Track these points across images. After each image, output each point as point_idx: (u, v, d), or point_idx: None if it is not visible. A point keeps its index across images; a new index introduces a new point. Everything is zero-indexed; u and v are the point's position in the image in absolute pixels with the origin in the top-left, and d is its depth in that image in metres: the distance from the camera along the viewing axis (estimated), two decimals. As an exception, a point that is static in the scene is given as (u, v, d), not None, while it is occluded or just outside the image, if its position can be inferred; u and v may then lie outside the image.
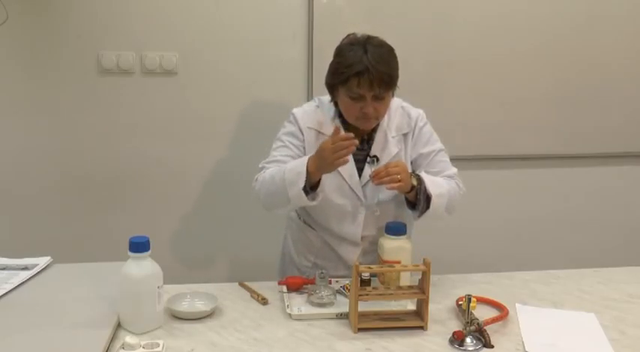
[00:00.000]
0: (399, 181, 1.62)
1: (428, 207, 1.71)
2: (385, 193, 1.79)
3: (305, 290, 1.65)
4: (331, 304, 1.58)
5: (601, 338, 1.45)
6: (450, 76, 2.66)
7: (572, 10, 2.67)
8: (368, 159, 1.80)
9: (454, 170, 1.84)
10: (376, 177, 1.64)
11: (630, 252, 2.86)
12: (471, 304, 1.45)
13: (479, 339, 1.41)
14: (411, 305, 1.56)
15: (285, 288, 1.66)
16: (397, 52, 1.74)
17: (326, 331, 1.47)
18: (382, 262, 1.65)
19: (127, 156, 2.58)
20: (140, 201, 2.62)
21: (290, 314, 1.53)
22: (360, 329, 1.46)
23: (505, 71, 2.69)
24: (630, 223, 2.95)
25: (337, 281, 1.72)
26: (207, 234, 2.69)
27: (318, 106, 1.85)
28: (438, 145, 1.85)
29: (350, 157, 1.78)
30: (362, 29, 1.75)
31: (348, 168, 1.78)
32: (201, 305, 1.56)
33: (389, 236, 1.66)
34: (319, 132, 1.80)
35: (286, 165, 1.71)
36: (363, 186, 1.81)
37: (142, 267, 1.40)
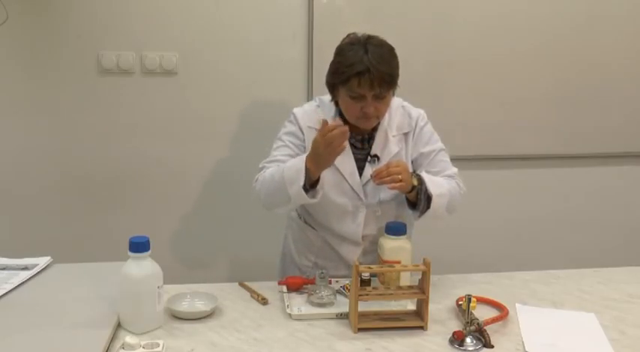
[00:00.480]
0: (400, 181, 1.63)
1: (428, 206, 1.71)
2: (386, 192, 1.79)
3: (305, 290, 1.65)
4: (331, 304, 1.58)
5: (601, 338, 1.45)
6: (450, 76, 2.66)
7: (572, 10, 2.67)
8: (369, 158, 1.81)
9: (454, 170, 1.84)
10: (377, 177, 1.64)
11: (630, 252, 2.86)
12: (471, 304, 1.45)
13: (479, 339, 1.41)
14: (411, 305, 1.56)
15: (285, 288, 1.66)
16: (397, 52, 1.74)
17: (326, 331, 1.47)
18: (382, 262, 1.65)
19: (127, 156, 2.58)
20: (140, 201, 2.62)
21: (290, 314, 1.53)
22: (360, 329, 1.46)
23: (505, 71, 2.69)
24: (630, 223, 2.95)
25: (337, 281, 1.72)
26: (208, 234, 2.69)
27: (318, 106, 1.86)
28: (439, 145, 1.85)
29: (350, 156, 1.79)
30: (362, 29, 1.75)
31: (349, 167, 1.78)
32: (201, 305, 1.56)
33: (389, 236, 1.66)
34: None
35: (285, 163, 1.72)
36: (364, 186, 1.81)
37: (142, 267, 1.40)
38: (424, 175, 1.73)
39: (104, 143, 2.55)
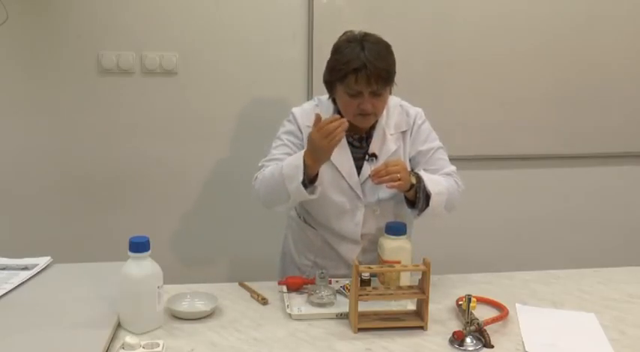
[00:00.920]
0: (399, 180, 1.63)
1: (427, 205, 1.71)
2: (384, 191, 1.80)
3: (305, 290, 1.65)
4: (331, 304, 1.58)
5: (601, 338, 1.45)
6: (450, 76, 2.66)
7: (572, 10, 2.67)
8: (366, 156, 1.81)
9: (453, 168, 1.85)
10: (376, 177, 1.64)
11: (630, 252, 2.86)
12: (471, 304, 1.45)
13: (479, 339, 1.41)
14: (411, 305, 1.56)
15: (285, 288, 1.66)
16: (397, 52, 1.74)
17: (326, 331, 1.47)
18: (382, 262, 1.65)
19: (127, 156, 2.58)
20: (140, 201, 2.62)
21: (290, 314, 1.53)
22: (360, 329, 1.46)
23: (505, 71, 2.69)
24: (630, 223, 2.95)
25: (337, 281, 1.72)
26: (208, 233, 2.69)
27: (317, 105, 1.87)
28: (437, 143, 1.85)
29: (349, 155, 1.79)
30: (361, 29, 1.75)
31: (347, 166, 1.79)
32: (201, 305, 1.56)
33: (389, 236, 1.66)
34: None
35: (284, 161, 1.73)
36: (362, 184, 1.81)
37: (142, 267, 1.40)
38: (422, 174, 1.73)
39: (104, 143, 2.55)
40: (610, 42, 2.73)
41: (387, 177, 1.62)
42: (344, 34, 1.75)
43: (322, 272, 1.63)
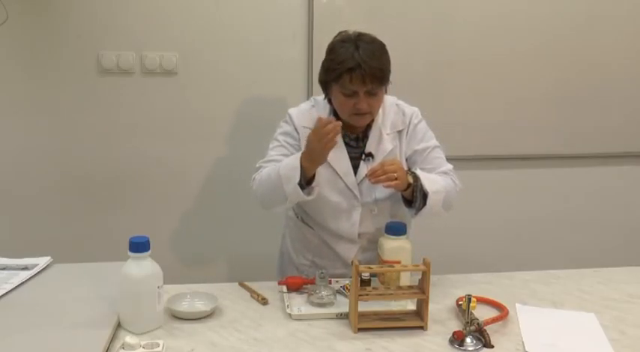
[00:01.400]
0: (396, 180, 1.63)
1: (425, 204, 1.71)
2: (381, 190, 1.80)
3: (305, 290, 1.65)
4: (331, 304, 1.58)
5: (601, 338, 1.45)
6: (450, 76, 2.66)
7: (572, 10, 2.67)
8: (363, 156, 1.81)
9: (449, 166, 1.85)
10: (372, 176, 1.64)
11: (630, 252, 2.86)
12: (471, 304, 1.45)
13: (479, 339, 1.41)
14: (411, 305, 1.56)
15: (285, 288, 1.66)
16: (397, 52, 1.75)
17: (326, 331, 1.47)
18: (382, 262, 1.65)
19: (127, 156, 2.58)
20: (140, 201, 2.62)
21: (290, 314, 1.53)
22: (360, 329, 1.46)
23: (505, 71, 2.69)
24: (630, 223, 2.95)
25: (337, 282, 1.72)
26: (207, 233, 2.69)
27: (313, 106, 1.87)
28: (433, 142, 1.86)
29: (345, 155, 1.80)
30: (361, 29, 1.76)
31: (344, 165, 1.79)
32: (201, 305, 1.56)
33: (389, 236, 1.66)
34: None
35: (281, 162, 1.73)
36: (359, 184, 1.81)
37: (142, 267, 1.40)
38: (419, 172, 1.73)
39: (104, 143, 2.55)
40: (610, 42, 2.73)
41: (383, 177, 1.63)
42: (338, 34, 1.76)
43: (322, 272, 1.63)
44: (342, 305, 1.57)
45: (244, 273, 1.92)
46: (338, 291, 1.65)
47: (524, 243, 2.87)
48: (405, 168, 1.77)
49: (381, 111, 1.80)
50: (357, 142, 1.82)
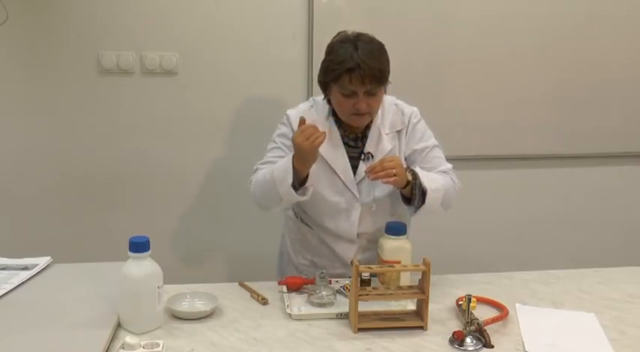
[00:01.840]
0: (395, 176, 1.63)
1: (424, 201, 1.71)
2: (380, 190, 1.80)
3: (305, 290, 1.65)
4: (331, 304, 1.58)
5: (601, 338, 1.45)
6: (450, 76, 2.66)
7: (572, 10, 2.67)
8: (362, 156, 1.81)
9: (449, 165, 1.85)
10: (371, 172, 1.65)
11: (630, 252, 2.86)
12: (471, 304, 1.45)
13: (479, 339, 1.41)
14: (411, 305, 1.56)
15: (285, 288, 1.66)
16: (397, 52, 1.75)
17: (326, 331, 1.47)
18: (382, 262, 1.65)
19: (127, 156, 2.58)
20: (140, 201, 2.62)
21: (290, 314, 1.53)
22: (360, 329, 1.46)
23: (505, 71, 2.69)
24: (630, 223, 2.95)
25: (337, 282, 1.72)
26: (207, 233, 2.69)
27: (312, 106, 1.87)
28: (432, 141, 1.86)
29: (344, 155, 1.80)
30: (361, 29, 1.76)
31: (342, 165, 1.80)
32: (201, 305, 1.56)
33: (389, 236, 1.66)
34: None
35: (275, 164, 1.74)
36: (358, 184, 1.82)
37: (142, 267, 1.40)
38: (418, 170, 1.74)
39: (104, 143, 2.55)
40: (610, 42, 2.73)
41: (382, 173, 1.63)
42: (337, 34, 1.76)
43: (322, 272, 1.63)
44: (342, 305, 1.57)
45: (244, 273, 1.92)
46: (338, 291, 1.65)
47: (524, 243, 2.87)
48: (404, 167, 1.77)
49: (380, 111, 1.80)
50: (356, 142, 1.83)
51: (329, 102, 1.81)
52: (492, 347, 1.40)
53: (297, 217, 1.98)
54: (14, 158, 2.52)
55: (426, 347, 1.40)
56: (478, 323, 1.42)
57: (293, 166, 1.66)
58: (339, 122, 1.80)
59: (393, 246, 1.64)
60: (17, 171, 2.53)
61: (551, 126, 2.77)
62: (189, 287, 1.66)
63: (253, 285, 1.70)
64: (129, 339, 1.32)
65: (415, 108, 1.88)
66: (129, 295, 1.41)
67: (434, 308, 1.54)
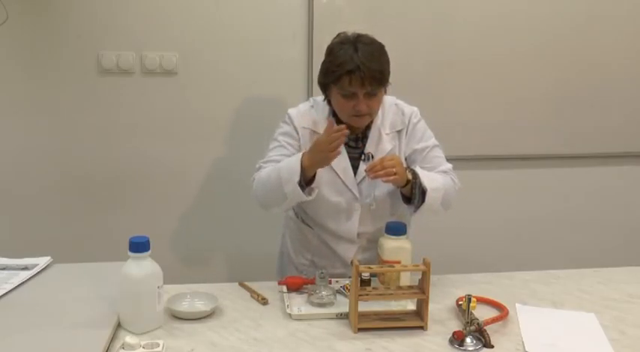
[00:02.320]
0: (395, 174, 1.63)
1: (423, 201, 1.71)
2: (381, 190, 1.80)
3: (305, 290, 1.65)
4: (331, 304, 1.58)
5: (601, 338, 1.45)
6: (450, 76, 2.66)
7: (572, 10, 2.67)
8: (362, 156, 1.82)
9: (449, 165, 1.85)
10: (372, 171, 1.65)
11: (630, 252, 2.86)
12: (471, 304, 1.45)
13: (479, 339, 1.41)
14: (411, 305, 1.56)
15: (285, 288, 1.66)
16: (397, 52, 1.75)
17: (326, 331, 1.47)
18: (382, 262, 1.65)
19: (127, 156, 2.58)
20: (140, 201, 2.62)
21: (290, 314, 1.53)
22: (360, 329, 1.46)
23: (505, 71, 2.69)
24: (630, 223, 2.95)
25: (337, 282, 1.72)
26: (207, 233, 2.69)
27: (312, 106, 1.87)
28: (432, 141, 1.86)
29: (345, 155, 1.80)
30: (361, 29, 1.76)
31: (343, 165, 1.80)
32: (201, 305, 1.56)
33: (389, 236, 1.66)
34: (314, 131, 1.82)
35: (281, 162, 1.73)
36: (359, 184, 1.82)
37: (142, 267, 1.40)
38: (418, 170, 1.74)
39: (104, 143, 2.55)
40: (610, 42, 2.73)
41: (382, 172, 1.63)
42: (337, 35, 1.76)
43: (322, 272, 1.63)
44: (342, 305, 1.57)
45: (244, 273, 1.92)
46: (338, 291, 1.65)
47: (524, 243, 2.87)
48: (405, 166, 1.77)
49: (380, 111, 1.81)
50: (356, 142, 1.83)
51: (329, 103, 1.81)
52: (492, 347, 1.40)
53: (297, 217, 1.98)
54: (14, 158, 2.52)
55: (426, 347, 1.40)
56: (478, 323, 1.42)
57: (301, 165, 1.66)
58: (339, 122, 1.80)
59: (393, 246, 1.64)
60: (17, 171, 2.53)
61: (551, 126, 2.78)
62: (189, 287, 1.66)
63: (253, 285, 1.70)
64: (129, 339, 1.32)
65: (415, 108, 1.88)
66: (129, 295, 1.41)
67: (434, 308, 1.54)
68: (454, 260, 2.23)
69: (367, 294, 1.50)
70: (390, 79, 1.73)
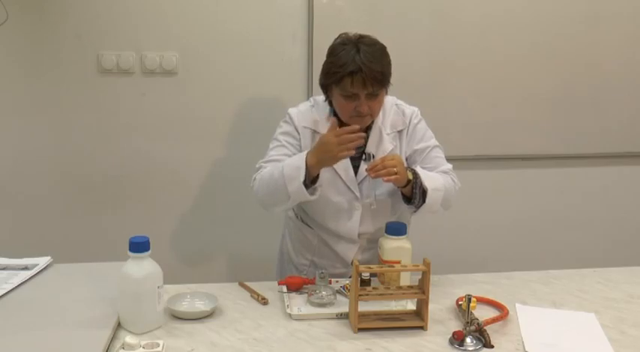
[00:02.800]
0: (395, 174, 1.63)
1: (424, 201, 1.71)
2: (381, 190, 1.80)
3: (305, 290, 1.65)
4: (331, 304, 1.58)
5: (601, 338, 1.45)
6: (450, 76, 2.66)
7: (572, 10, 2.67)
8: (363, 156, 1.82)
9: (449, 166, 1.85)
10: (372, 170, 1.65)
11: (630, 252, 2.86)
12: (471, 304, 1.45)
13: (479, 339, 1.41)
14: (411, 305, 1.56)
15: (285, 288, 1.66)
16: (397, 53, 1.75)
17: (326, 331, 1.47)
18: (382, 262, 1.65)
19: (127, 156, 2.58)
20: (140, 201, 2.62)
21: (290, 314, 1.53)
22: (360, 329, 1.46)
23: (505, 71, 2.69)
24: (630, 223, 2.95)
25: (337, 282, 1.72)
26: (207, 233, 2.69)
27: (313, 106, 1.87)
28: (433, 141, 1.86)
29: None
30: (362, 29, 1.76)
31: (344, 165, 1.80)
32: (201, 305, 1.56)
33: (389, 236, 1.66)
34: (315, 131, 1.82)
35: (284, 161, 1.73)
36: (359, 184, 1.82)
37: (142, 267, 1.40)
38: (419, 170, 1.74)
39: (104, 143, 2.55)
40: (610, 42, 2.73)
41: (383, 171, 1.63)
42: (339, 36, 1.76)
43: (322, 272, 1.63)
44: (342, 305, 1.57)
45: (244, 273, 1.92)
46: (338, 291, 1.65)
47: (524, 243, 2.87)
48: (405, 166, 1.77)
49: (381, 111, 1.80)
50: None
51: (330, 103, 1.81)
52: (492, 347, 1.40)
53: (297, 217, 1.98)
54: (14, 158, 2.52)
55: (426, 347, 1.40)
56: (478, 323, 1.42)
57: (306, 164, 1.66)
58: (340, 122, 1.80)
59: (393, 246, 1.64)
60: (17, 171, 2.53)
61: (551, 126, 2.77)
62: (189, 287, 1.66)
63: (253, 285, 1.70)
64: (129, 339, 1.32)
65: (416, 109, 1.88)
66: (129, 295, 1.41)
67: (434, 308, 1.54)
68: (454, 260, 2.23)
69: (367, 294, 1.50)
70: (391, 80, 1.73)
